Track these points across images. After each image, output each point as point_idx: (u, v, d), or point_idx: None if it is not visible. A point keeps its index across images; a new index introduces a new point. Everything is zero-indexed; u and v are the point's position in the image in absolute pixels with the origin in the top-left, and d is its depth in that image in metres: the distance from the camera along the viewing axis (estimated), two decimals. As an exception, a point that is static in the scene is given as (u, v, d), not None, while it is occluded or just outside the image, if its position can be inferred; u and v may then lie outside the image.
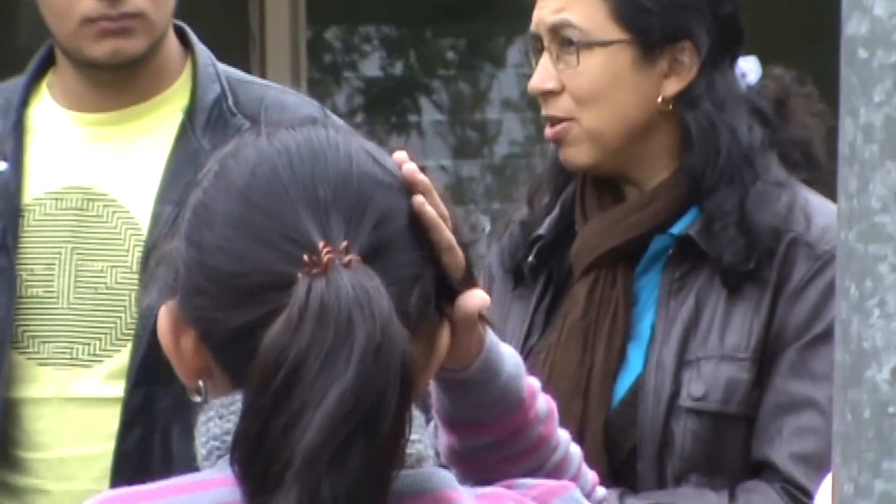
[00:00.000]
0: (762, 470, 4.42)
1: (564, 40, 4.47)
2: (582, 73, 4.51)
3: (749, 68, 4.68)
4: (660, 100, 4.47)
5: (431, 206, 2.19)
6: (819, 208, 4.40)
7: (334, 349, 2.06)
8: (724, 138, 4.53)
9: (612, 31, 4.54)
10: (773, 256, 4.44)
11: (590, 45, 4.50)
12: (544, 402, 2.53)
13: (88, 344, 4.82)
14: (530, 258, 4.53)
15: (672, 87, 4.45)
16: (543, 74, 4.49)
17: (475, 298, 2.26)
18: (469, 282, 2.31)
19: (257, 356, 2.08)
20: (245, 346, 2.09)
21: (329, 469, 2.05)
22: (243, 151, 2.26)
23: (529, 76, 4.56)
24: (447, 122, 12.60)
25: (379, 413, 2.05)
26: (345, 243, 2.10)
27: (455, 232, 2.26)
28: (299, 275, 2.07)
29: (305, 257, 2.08)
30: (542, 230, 4.55)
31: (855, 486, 1.77)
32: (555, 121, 4.48)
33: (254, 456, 2.06)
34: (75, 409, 4.73)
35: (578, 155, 4.51)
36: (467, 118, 12.96)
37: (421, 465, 2.13)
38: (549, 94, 4.50)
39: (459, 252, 2.27)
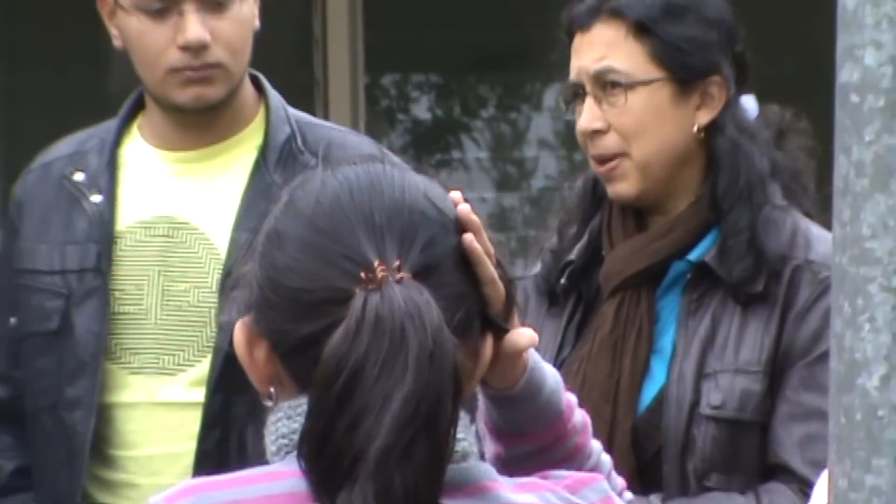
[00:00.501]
0: (778, 473, 4.52)
1: (608, 83, 4.55)
2: (628, 111, 4.58)
3: (749, 105, 4.77)
4: (695, 129, 4.55)
5: (480, 244, 2.24)
6: (819, 237, 4.50)
7: (391, 356, 2.14)
8: (745, 162, 4.63)
9: (652, 71, 4.64)
10: (780, 278, 4.53)
11: (633, 85, 4.57)
12: (580, 416, 2.58)
13: (174, 355, 4.93)
14: (562, 280, 4.62)
15: (705, 117, 4.55)
16: (591, 116, 4.52)
17: (524, 337, 2.33)
18: (509, 312, 2.37)
19: (320, 363, 2.18)
20: (310, 354, 2.17)
21: (398, 465, 2.13)
22: (310, 183, 2.34)
23: (562, 118, 4.63)
24: (488, 158, 12.74)
25: (438, 413, 2.14)
26: (397, 262, 2.17)
27: (498, 267, 2.31)
28: (357, 290, 2.16)
29: (362, 274, 2.16)
30: (572, 255, 4.65)
31: (848, 481, 1.88)
32: (604, 159, 4.56)
33: (319, 451, 2.16)
34: (162, 412, 4.84)
35: (629, 188, 4.59)
36: (507, 155, 12.74)
37: (466, 460, 2.18)
38: (597, 134, 4.54)
39: (501, 286, 2.32)
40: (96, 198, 4.89)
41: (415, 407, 2.15)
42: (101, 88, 7.56)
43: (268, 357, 2.35)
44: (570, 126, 5.04)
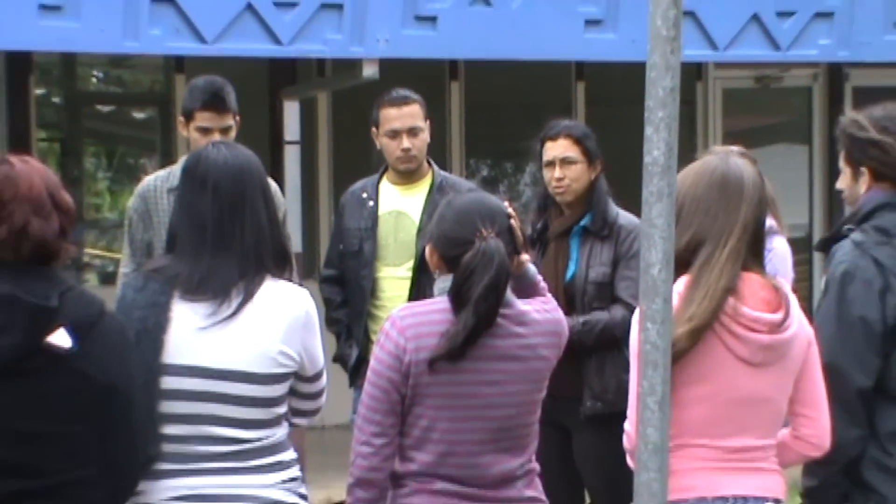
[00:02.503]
0: (618, 301, 6.95)
1: (564, 160, 7.12)
2: (573, 171, 7.10)
3: None
4: (593, 177, 7.19)
5: (516, 222, 4.78)
6: (625, 215, 7.05)
7: (487, 262, 4.55)
8: (602, 191, 7.16)
9: (581, 156, 7.18)
10: (612, 230, 7.12)
11: (575, 161, 7.13)
12: (543, 284, 5.08)
13: (401, 257, 7.53)
14: (534, 237, 7.05)
15: (594, 174, 7.21)
16: (559, 173, 7.13)
17: (525, 256, 4.96)
18: (524, 248, 5.03)
19: (460, 264, 4.66)
20: (455, 260, 4.66)
21: (485, 301, 4.54)
22: (453, 198, 5.12)
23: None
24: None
25: (501, 283, 4.58)
26: (490, 230, 4.67)
27: (520, 230, 4.90)
28: (476, 240, 4.64)
29: (477, 234, 4.66)
30: (538, 226, 7.24)
31: (647, 311, 4.02)
32: (559, 188, 7.19)
33: (457, 294, 4.62)
34: (398, 281, 7.63)
35: (567, 199, 7.22)
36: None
37: None
38: (559, 180, 7.08)
39: (522, 238, 4.85)
40: (371, 203, 7.69)
41: (496, 279, 4.55)
42: (371, 164, 8.59)
43: (432, 257, 4.85)
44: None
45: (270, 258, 4.51)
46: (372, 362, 4.56)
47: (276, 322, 4.43)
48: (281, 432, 4.50)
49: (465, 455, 4.49)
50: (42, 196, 4.12)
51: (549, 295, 4.89)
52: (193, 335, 4.35)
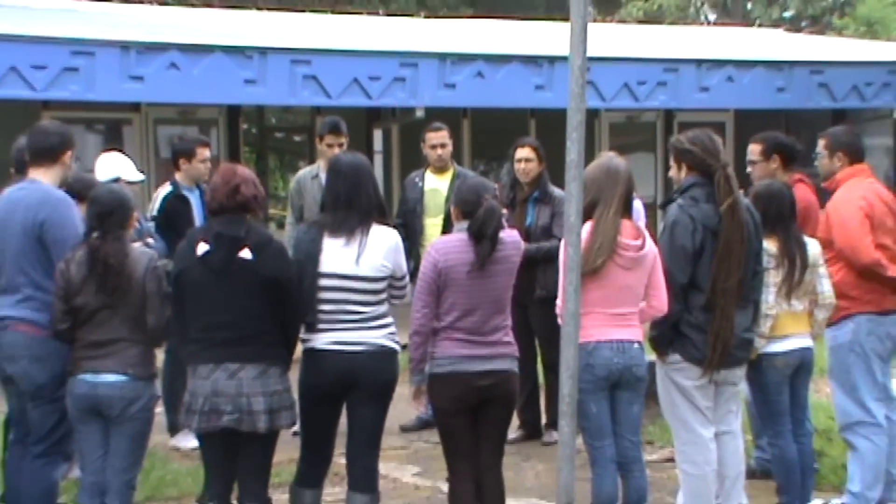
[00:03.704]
0: (553, 236, 6.38)
1: (527, 159, 6.75)
2: (531, 165, 6.72)
3: None
4: (541, 169, 6.73)
5: (499, 194, 4.84)
6: (557, 189, 6.46)
7: (491, 213, 4.38)
8: (546, 176, 6.76)
9: (534, 156, 6.78)
10: (551, 198, 6.68)
11: (533, 160, 6.75)
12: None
13: (436, 217, 6.97)
14: (507, 202, 6.56)
15: (542, 166, 6.75)
16: (527, 166, 6.75)
17: (504, 211, 4.93)
18: (503, 207, 5.28)
19: (476, 215, 4.45)
20: (469, 214, 4.47)
21: (495, 235, 4.36)
22: (465, 179, 5.54)
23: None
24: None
25: (500, 224, 4.43)
26: (487, 196, 4.53)
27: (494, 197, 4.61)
28: (483, 202, 4.42)
29: (482, 199, 4.44)
30: (510, 196, 6.77)
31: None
32: (527, 171, 6.74)
33: (478, 232, 4.38)
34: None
35: (528, 180, 6.77)
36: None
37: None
38: (527, 169, 6.73)
39: (500, 202, 4.89)
40: (420, 183, 7.21)
41: (497, 224, 4.41)
42: (423, 161, 7.79)
43: (454, 209, 4.57)
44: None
45: (375, 213, 4.52)
46: (421, 268, 4.54)
47: (380, 247, 4.45)
48: (384, 308, 4.51)
49: (472, 317, 4.44)
50: (248, 179, 4.45)
51: (511, 230, 4.77)
52: (335, 255, 4.40)
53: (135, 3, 14.08)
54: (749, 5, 24.68)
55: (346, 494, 4.50)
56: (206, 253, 4.22)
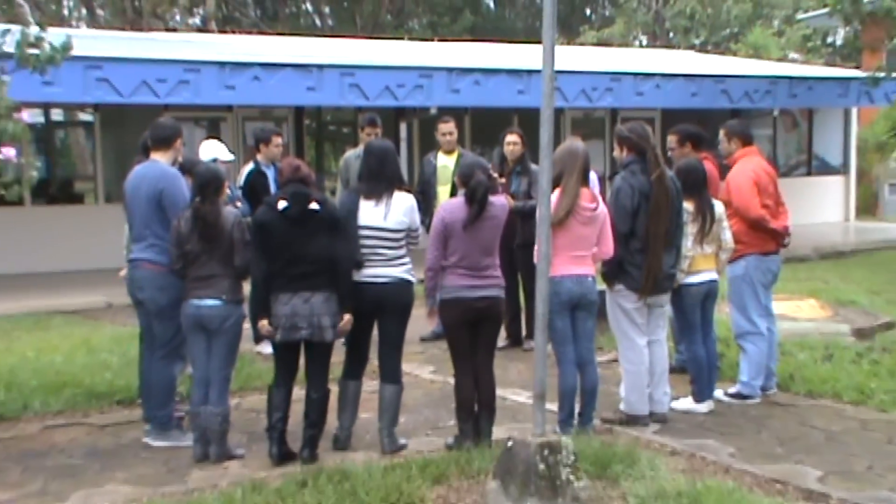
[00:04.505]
0: (531, 197, 6.00)
1: (514, 143, 6.37)
2: (517, 146, 6.36)
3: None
4: (524, 149, 6.33)
5: (492, 170, 4.23)
6: (534, 165, 5.60)
7: (482, 185, 4.07)
8: (527, 154, 6.31)
9: (519, 140, 6.37)
10: (530, 172, 6.28)
11: (517, 143, 6.36)
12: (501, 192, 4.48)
13: (445, 186, 6.64)
14: (498, 173, 6.02)
15: (524, 147, 6.34)
16: (514, 148, 6.36)
17: (501, 180, 5.15)
18: (499, 176, 5.13)
19: (469, 185, 4.19)
20: (466, 184, 4.17)
21: (483, 199, 4.07)
22: (465, 157, 5.01)
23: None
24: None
25: (486, 191, 4.10)
26: (480, 172, 4.19)
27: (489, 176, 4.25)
28: (475, 175, 4.17)
29: (476, 172, 4.17)
30: (500, 170, 6.32)
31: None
32: (513, 153, 6.42)
33: (471, 197, 4.07)
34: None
35: (513, 158, 6.41)
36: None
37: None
38: (514, 151, 6.36)
39: (493, 175, 4.27)
40: (433, 161, 6.87)
41: (484, 192, 4.11)
42: (436, 144, 7.53)
43: (458, 180, 4.27)
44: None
45: (397, 182, 4.39)
46: (433, 223, 4.38)
47: (401, 207, 4.34)
48: (403, 251, 4.38)
49: (471, 258, 4.28)
50: (303, 165, 4.37)
51: (500, 195, 4.57)
52: (369, 213, 4.30)
53: (228, 33, 14.01)
54: (671, 34, 24.50)
55: (378, 386, 4.47)
56: (286, 208, 4.12)
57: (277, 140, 6.38)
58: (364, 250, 4.28)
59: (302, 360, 4.28)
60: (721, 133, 5.38)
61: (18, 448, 4.43)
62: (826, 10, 11.46)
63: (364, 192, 4.33)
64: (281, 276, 4.12)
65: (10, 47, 4.41)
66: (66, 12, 22.22)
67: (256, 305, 4.21)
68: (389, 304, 4.32)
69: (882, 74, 11.01)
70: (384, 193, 4.31)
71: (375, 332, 4.42)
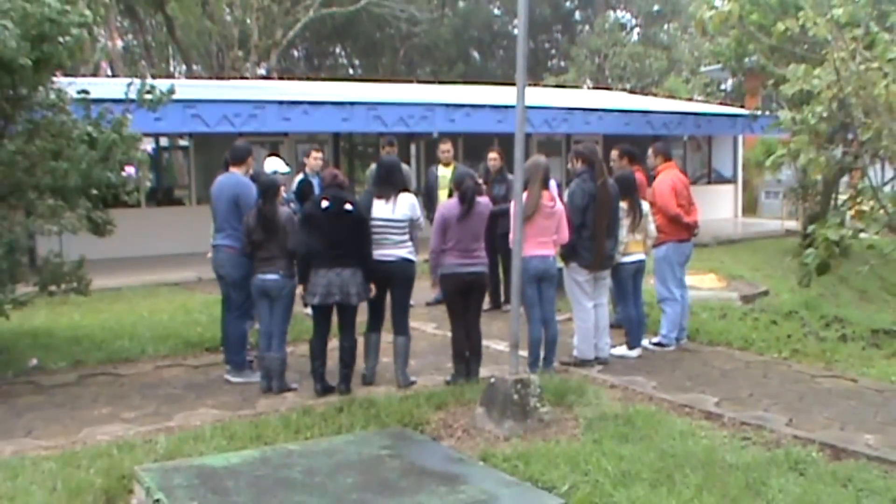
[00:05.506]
0: (509, 200, 4.93)
1: (495, 158, 5.85)
2: (498, 161, 5.81)
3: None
4: (502, 163, 5.77)
5: (478, 178, 3.75)
6: (511, 175, 4.94)
7: (470, 189, 3.86)
8: (505, 167, 5.69)
9: (499, 157, 5.83)
10: (506, 180, 5.74)
11: (497, 159, 5.81)
12: (485, 195, 4.11)
13: (444, 189, 6.06)
14: (483, 182, 5.38)
15: (503, 162, 5.75)
16: (495, 164, 5.80)
17: (483, 188, 4.14)
18: (484, 183, 4.55)
19: (461, 189, 3.98)
20: (459, 188, 3.91)
21: (472, 199, 3.85)
22: (459, 169, 4.15)
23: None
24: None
25: (474, 194, 3.85)
26: (470, 180, 3.93)
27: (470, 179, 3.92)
28: (466, 181, 3.92)
29: (465, 180, 3.90)
30: (484, 179, 5.77)
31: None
32: (494, 166, 5.91)
33: (462, 198, 3.81)
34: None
35: (495, 170, 5.81)
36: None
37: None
38: (495, 161, 5.88)
39: (480, 183, 3.88)
40: (436, 171, 6.38)
41: (472, 194, 3.87)
42: (437, 159, 6.88)
43: (454, 185, 4.00)
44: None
45: (402, 186, 4.23)
46: (435, 217, 4.22)
47: (405, 204, 4.18)
48: (407, 237, 4.19)
49: (463, 243, 4.15)
50: (340, 174, 4.23)
51: (484, 197, 4.33)
52: (380, 208, 4.15)
53: (284, 79, 13.61)
54: (610, 80, 24.45)
55: (392, 338, 4.34)
56: (328, 206, 4.01)
57: (316, 154, 6.11)
58: (376, 236, 4.14)
59: (335, 319, 4.19)
60: (649, 152, 5.29)
61: (138, 381, 4.48)
62: (720, 65, 11.60)
63: (377, 194, 4.19)
64: (320, 257, 4.00)
65: (133, 94, 4.70)
66: (171, 68, 22.96)
67: (300, 277, 4.11)
68: (396, 276, 4.16)
69: (759, 113, 11.28)
70: (392, 194, 4.16)
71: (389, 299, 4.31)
